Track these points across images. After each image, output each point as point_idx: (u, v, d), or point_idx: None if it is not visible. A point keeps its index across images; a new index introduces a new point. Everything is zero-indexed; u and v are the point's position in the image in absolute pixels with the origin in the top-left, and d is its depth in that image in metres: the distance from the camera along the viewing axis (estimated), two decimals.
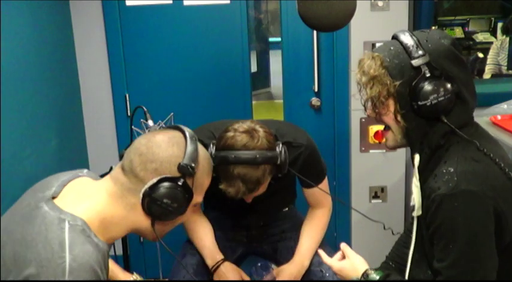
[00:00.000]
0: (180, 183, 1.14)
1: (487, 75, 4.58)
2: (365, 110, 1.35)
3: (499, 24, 4.85)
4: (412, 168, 1.34)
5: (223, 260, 1.79)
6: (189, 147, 1.16)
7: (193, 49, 2.50)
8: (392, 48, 1.26)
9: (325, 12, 1.64)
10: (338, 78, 2.48)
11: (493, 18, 5.06)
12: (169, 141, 1.17)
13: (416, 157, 1.31)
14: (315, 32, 2.40)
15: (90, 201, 1.14)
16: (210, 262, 1.80)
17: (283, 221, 1.96)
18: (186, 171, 1.14)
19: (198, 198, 1.22)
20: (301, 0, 1.64)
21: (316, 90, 2.49)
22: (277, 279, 1.78)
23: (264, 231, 1.96)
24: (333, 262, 1.46)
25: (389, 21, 2.34)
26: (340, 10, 1.65)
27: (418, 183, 1.32)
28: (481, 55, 4.76)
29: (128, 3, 2.43)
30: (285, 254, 1.88)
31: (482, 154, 1.21)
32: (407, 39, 1.24)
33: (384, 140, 1.39)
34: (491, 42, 4.84)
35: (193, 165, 1.15)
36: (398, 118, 1.27)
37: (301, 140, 1.72)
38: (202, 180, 1.22)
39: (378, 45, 2.32)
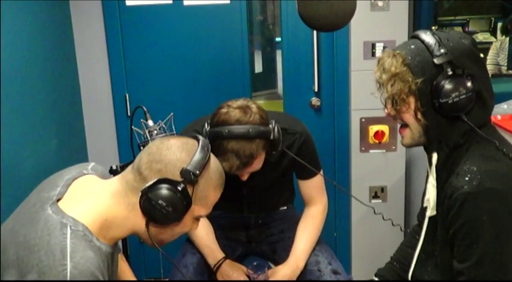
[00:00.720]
0: (179, 188, 1.12)
1: None
2: (385, 107, 1.35)
3: (499, 24, 4.85)
4: (429, 167, 1.34)
5: (225, 258, 1.80)
6: (198, 155, 1.15)
7: (193, 49, 2.50)
8: (413, 46, 1.27)
9: (325, 12, 1.64)
10: (338, 78, 2.48)
11: (493, 18, 5.05)
12: (181, 146, 1.17)
13: (434, 156, 1.31)
14: (315, 32, 2.40)
15: (93, 202, 1.14)
16: (211, 261, 1.80)
17: (282, 221, 1.97)
18: (188, 177, 1.12)
19: (200, 210, 1.19)
20: (301, 0, 1.64)
21: (316, 90, 2.49)
22: (270, 279, 1.78)
23: (263, 231, 1.96)
24: None
25: (389, 21, 2.34)
26: (340, 10, 1.65)
27: (435, 183, 1.32)
28: (481, 55, 4.76)
29: (127, 3, 2.43)
30: (283, 255, 1.88)
31: (501, 154, 1.22)
32: (428, 37, 1.25)
33: (400, 137, 1.40)
34: (491, 42, 4.85)
35: (197, 172, 1.13)
36: (419, 116, 1.28)
37: (296, 128, 1.76)
38: (207, 192, 1.19)
39: (377, 45, 2.37)
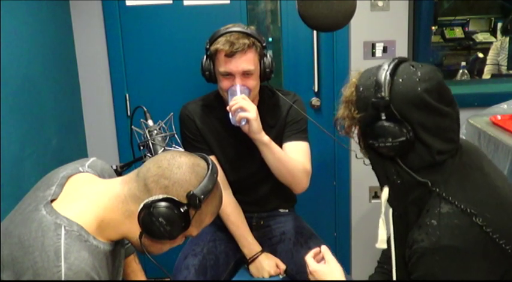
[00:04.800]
0: (182, 210, 1.12)
1: (486, 76, 4.58)
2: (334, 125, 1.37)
3: (499, 24, 4.85)
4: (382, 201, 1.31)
5: (261, 252, 1.87)
6: (206, 181, 1.15)
7: (193, 49, 2.49)
8: (370, 78, 1.25)
9: (325, 12, 1.64)
10: (338, 78, 2.48)
11: (493, 18, 5.06)
12: (192, 167, 1.16)
13: (385, 190, 1.29)
14: (315, 32, 2.40)
15: (90, 202, 1.14)
16: (246, 252, 1.87)
17: (284, 224, 1.98)
18: (193, 201, 1.13)
19: (193, 231, 1.20)
20: (301, 0, 1.64)
21: (316, 90, 2.49)
22: None
23: (264, 233, 1.96)
24: (310, 261, 1.42)
25: (389, 21, 2.34)
26: (340, 10, 1.65)
27: (383, 217, 1.31)
28: (481, 55, 4.76)
29: (128, 3, 2.43)
30: (284, 256, 1.88)
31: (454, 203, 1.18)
32: (382, 75, 1.22)
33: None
34: (491, 42, 4.85)
35: (202, 197, 1.13)
36: (362, 144, 1.30)
37: (290, 92, 1.98)
38: (205, 217, 1.20)
39: (377, 45, 2.37)
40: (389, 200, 1.30)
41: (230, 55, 1.71)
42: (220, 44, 1.72)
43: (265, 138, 1.74)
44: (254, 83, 1.78)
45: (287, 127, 1.88)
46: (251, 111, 1.68)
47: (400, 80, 1.22)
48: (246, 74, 1.75)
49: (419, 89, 1.20)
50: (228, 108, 1.71)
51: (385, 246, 1.33)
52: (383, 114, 1.20)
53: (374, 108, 1.21)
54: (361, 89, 1.26)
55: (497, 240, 1.14)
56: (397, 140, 1.20)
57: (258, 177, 1.91)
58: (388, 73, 1.22)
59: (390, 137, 1.20)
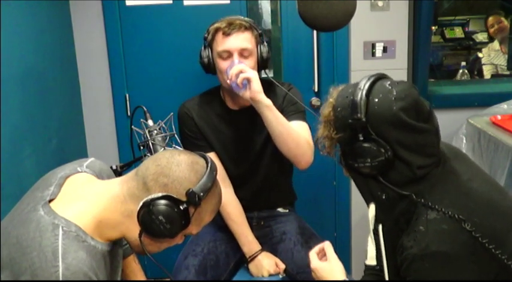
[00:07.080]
0: (182, 207, 1.12)
1: (487, 76, 4.59)
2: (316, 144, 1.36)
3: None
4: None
5: (261, 251, 1.88)
6: (205, 178, 1.15)
7: (193, 49, 2.48)
8: (347, 97, 1.25)
9: (325, 12, 1.64)
10: (338, 78, 2.48)
11: None
12: (191, 165, 1.16)
13: (371, 207, 1.29)
14: (315, 32, 2.40)
15: (88, 203, 1.14)
16: (246, 250, 1.87)
17: (284, 224, 1.98)
18: (193, 199, 1.12)
19: (193, 229, 1.20)
20: (301, 0, 1.65)
21: (316, 90, 2.49)
22: None
23: (265, 233, 1.96)
24: (313, 257, 1.43)
25: (389, 21, 2.35)
26: (340, 10, 1.65)
27: (372, 234, 1.31)
28: (481, 55, 4.77)
29: (127, 3, 2.43)
30: (284, 256, 1.88)
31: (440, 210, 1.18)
32: (358, 95, 1.21)
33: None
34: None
35: (201, 195, 1.13)
36: (342, 162, 1.29)
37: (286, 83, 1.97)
38: (204, 215, 1.20)
39: (377, 45, 2.37)
40: (377, 216, 1.29)
41: (228, 33, 1.76)
42: (219, 23, 1.79)
43: (267, 100, 1.72)
44: (252, 64, 1.79)
45: (285, 110, 1.87)
46: (251, 72, 1.70)
47: (376, 100, 1.20)
48: (243, 53, 1.77)
49: (395, 108, 1.18)
50: (228, 79, 1.72)
51: (374, 262, 1.33)
52: (360, 135, 1.20)
53: (351, 129, 1.21)
54: (338, 109, 1.25)
55: (486, 245, 1.14)
56: (376, 160, 1.20)
57: (258, 170, 1.91)
58: (363, 93, 1.21)
59: (369, 157, 1.20)
